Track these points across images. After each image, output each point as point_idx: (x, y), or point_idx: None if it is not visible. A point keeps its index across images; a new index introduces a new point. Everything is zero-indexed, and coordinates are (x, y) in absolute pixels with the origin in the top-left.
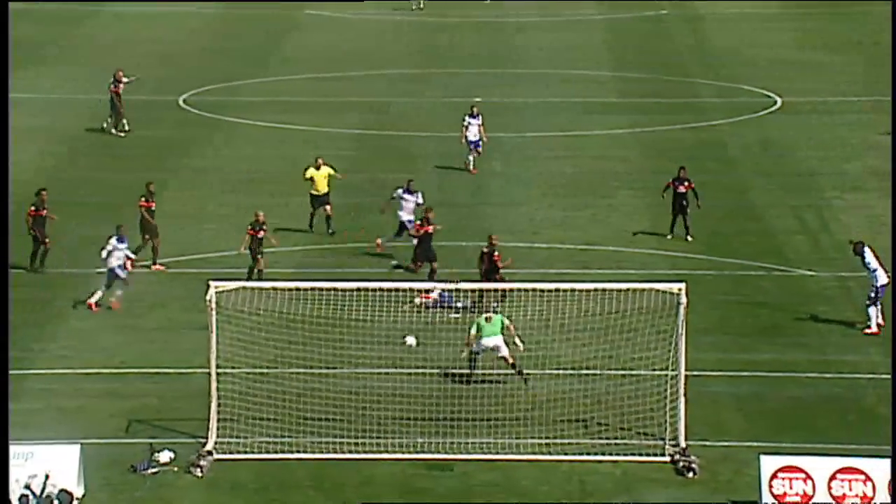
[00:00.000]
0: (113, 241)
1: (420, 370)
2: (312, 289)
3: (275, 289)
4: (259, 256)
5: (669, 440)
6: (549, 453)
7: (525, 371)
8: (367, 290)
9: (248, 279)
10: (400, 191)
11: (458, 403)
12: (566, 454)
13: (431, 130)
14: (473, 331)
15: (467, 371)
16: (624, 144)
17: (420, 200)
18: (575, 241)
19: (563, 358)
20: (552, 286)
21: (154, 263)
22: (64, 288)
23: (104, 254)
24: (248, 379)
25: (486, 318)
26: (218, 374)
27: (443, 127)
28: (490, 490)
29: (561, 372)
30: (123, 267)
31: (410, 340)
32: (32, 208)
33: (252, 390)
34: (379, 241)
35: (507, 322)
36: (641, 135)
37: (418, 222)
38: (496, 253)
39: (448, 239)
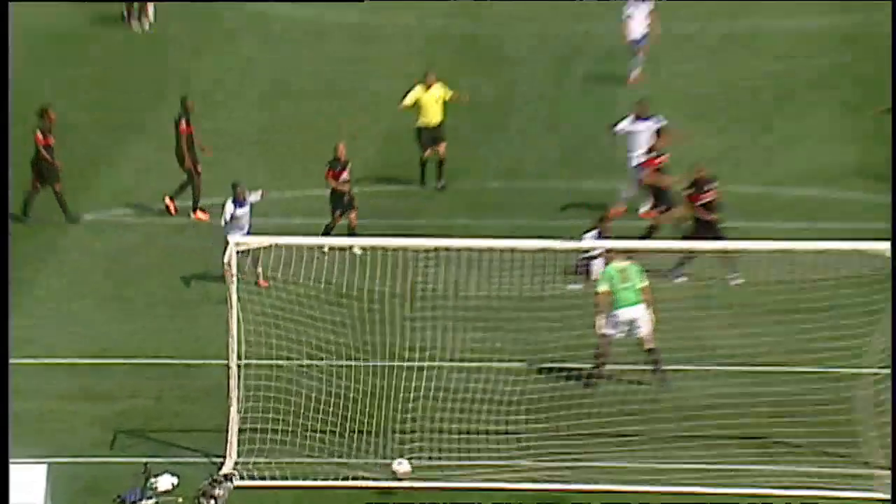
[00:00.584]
0: (228, 204)
1: (520, 362)
2: (372, 248)
3: (320, 248)
4: (340, 211)
5: (883, 467)
6: (710, 484)
7: (666, 367)
8: (448, 250)
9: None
10: (626, 122)
11: (574, 411)
12: (733, 486)
13: (531, 24)
14: (605, 287)
15: (589, 364)
16: (818, 41)
17: (657, 125)
18: (747, 181)
19: (727, 348)
20: (714, 246)
21: (195, 210)
22: (23, 242)
23: (223, 222)
24: (282, 375)
25: (621, 271)
26: (240, 367)
27: (547, 21)
28: None
29: (723, 368)
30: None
31: (401, 467)
32: (40, 135)
33: (288, 390)
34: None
35: (643, 281)
36: (845, 30)
37: (649, 157)
38: (705, 189)
39: (579, 176)
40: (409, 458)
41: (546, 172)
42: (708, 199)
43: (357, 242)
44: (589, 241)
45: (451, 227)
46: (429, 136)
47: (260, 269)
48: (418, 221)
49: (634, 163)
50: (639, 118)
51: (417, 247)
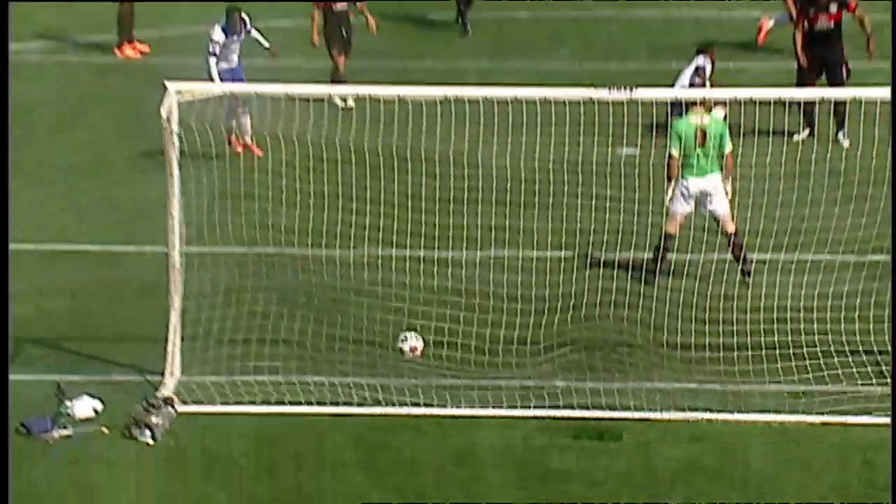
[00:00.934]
0: (217, 30)
1: (557, 251)
2: (359, 99)
3: (289, 96)
4: (340, 51)
5: None
6: (809, 411)
7: (751, 256)
8: (461, 101)
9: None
10: None
11: (628, 315)
12: (840, 413)
13: None
14: (675, 150)
15: (649, 253)
16: None
17: None
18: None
19: (832, 231)
20: (813, 94)
21: (120, 43)
22: None
23: (212, 61)
24: (240, 267)
25: (699, 129)
26: (185, 254)
27: None
28: (685, 473)
29: (827, 258)
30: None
31: (406, 344)
32: None
33: (246, 287)
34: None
35: (728, 143)
36: None
37: None
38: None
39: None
40: (412, 379)
41: None
42: (823, 25)
43: (339, 91)
44: (679, 89)
45: (464, 71)
46: None
47: (247, 121)
48: (422, 63)
49: None
50: None
51: (419, 96)
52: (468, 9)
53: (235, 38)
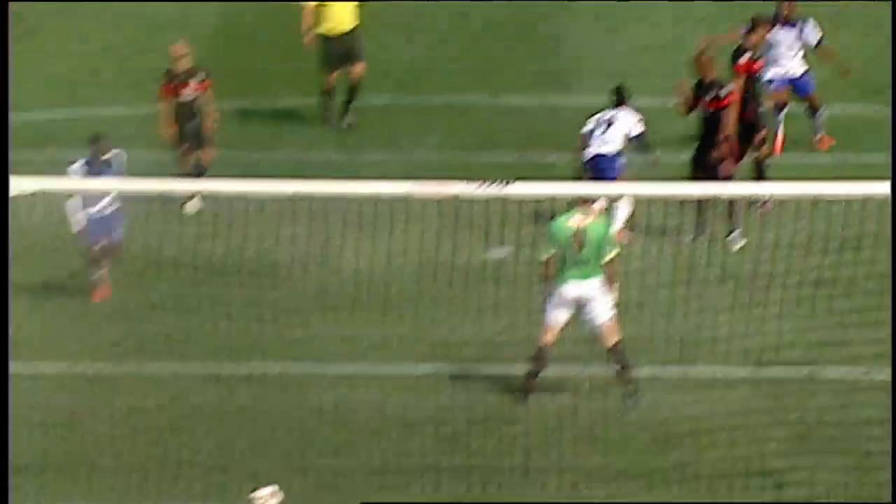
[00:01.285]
0: (77, 167)
1: (422, 364)
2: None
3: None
4: (190, 145)
5: None
6: None
7: (636, 372)
8: (312, 197)
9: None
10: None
11: (499, 436)
12: None
13: None
14: (548, 254)
15: (524, 368)
16: None
17: (812, 38)
18: None
19: (723, 342)
20: (707, 190)
21: None
22: None
23: (70, 204)
24: (76, 387)
25: (578, 231)
26: (17, 377)
27: None
28: None
29: (718, 373)
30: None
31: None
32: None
33: (76, 411)
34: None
35: (610, 249)
36: None
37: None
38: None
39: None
40: None
41: (462, 83)
42: (701, 112)
43: (188, 188)
44: (559, 185)
45: (318, 163)
46: (334, 50)
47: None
48: (271, 155)
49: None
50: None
51: (267, 192)
52: (351, 100)
53: (101, 172)
